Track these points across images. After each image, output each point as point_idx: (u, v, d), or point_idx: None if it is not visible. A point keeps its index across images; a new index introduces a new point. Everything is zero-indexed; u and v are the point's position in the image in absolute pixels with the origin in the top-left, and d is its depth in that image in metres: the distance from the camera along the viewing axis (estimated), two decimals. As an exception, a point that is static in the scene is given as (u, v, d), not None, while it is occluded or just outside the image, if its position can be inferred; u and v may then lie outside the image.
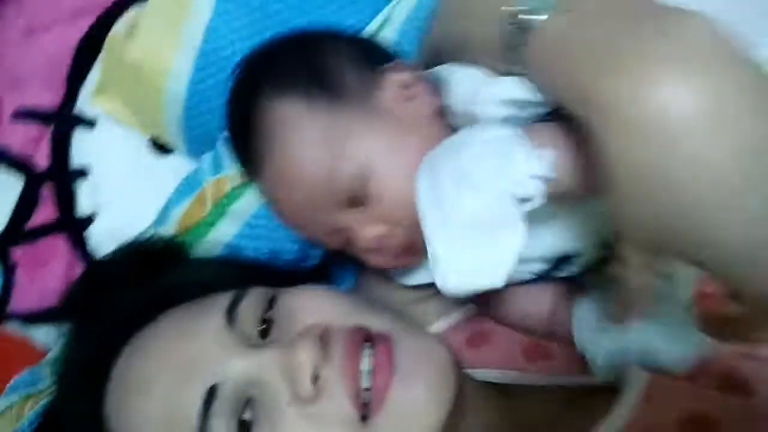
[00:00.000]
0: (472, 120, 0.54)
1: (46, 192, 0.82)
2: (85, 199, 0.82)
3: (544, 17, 0.47)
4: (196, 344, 0.54)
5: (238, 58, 0.69)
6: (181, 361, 0.53)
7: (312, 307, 0.56)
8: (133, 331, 0.59)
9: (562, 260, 0.61)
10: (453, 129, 0.57)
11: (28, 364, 0.80)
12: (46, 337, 0.82)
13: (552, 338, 0.64)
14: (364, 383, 0.51)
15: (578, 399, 0.59)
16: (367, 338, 0.53)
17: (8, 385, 0.78)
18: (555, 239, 0.59)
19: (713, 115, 0.36)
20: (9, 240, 0.81)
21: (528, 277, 0.63)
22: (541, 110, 0.51)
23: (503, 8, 0.49)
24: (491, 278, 0.48)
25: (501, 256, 0.47)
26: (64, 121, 0.83)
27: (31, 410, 0.71)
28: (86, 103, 0.83)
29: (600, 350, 0.56)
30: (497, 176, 0.48)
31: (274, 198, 0.62)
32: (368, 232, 0.56)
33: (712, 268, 0.40)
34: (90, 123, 0.83)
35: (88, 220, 0.81)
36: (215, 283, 0.62)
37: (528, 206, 0.48)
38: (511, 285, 0.61)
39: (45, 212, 0.81)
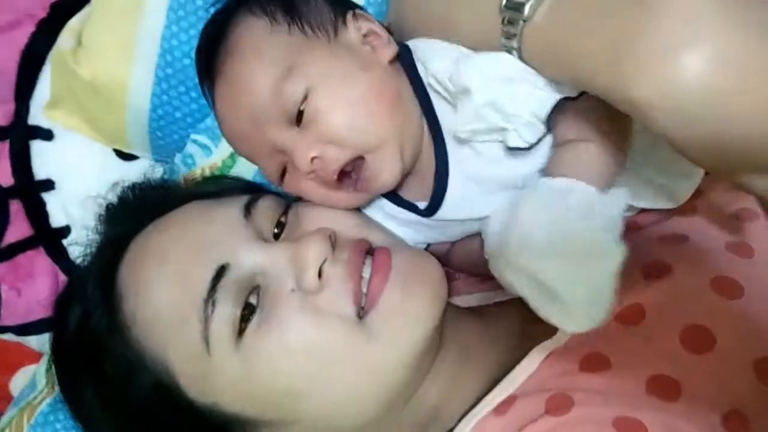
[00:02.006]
0: (458, 92, 0.56)
1: (15, 208, 0.84)
2: (56, 211, 0.84)
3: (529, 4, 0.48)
4: (214, 228, 0.60)
5: (197, 66, 0.71)
6: (197, 240, 0.59)
7: (323, 216, 0.62)
8: (158, 216, 0.64)
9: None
10: (424, 98, 0.60)
11: (26, 362, 0.88)
12: (39, 343, 0.87)
13: None
14: (363, 288, 0.58)
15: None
16: (369, 251, 0.60)
17: (15, 392, 0.84)
18: None
19: (734, 66, 0.38)
20: (-13, 260, 0.82)
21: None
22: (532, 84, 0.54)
23: None
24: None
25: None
26: (19, 134, 0.83)
27: (29, 420, 0.78)
28: (39, 115, 0.84)
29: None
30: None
31: (224, 110, 0.63)
32: (305, 152, 0.58)
33: None
34: (47, 134, 0.83)
35: (65, 230, 0.84)
36: (233, 189, 0.67)
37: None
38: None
39: (18, 228, 0.83)
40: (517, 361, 0.63)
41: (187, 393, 0.58)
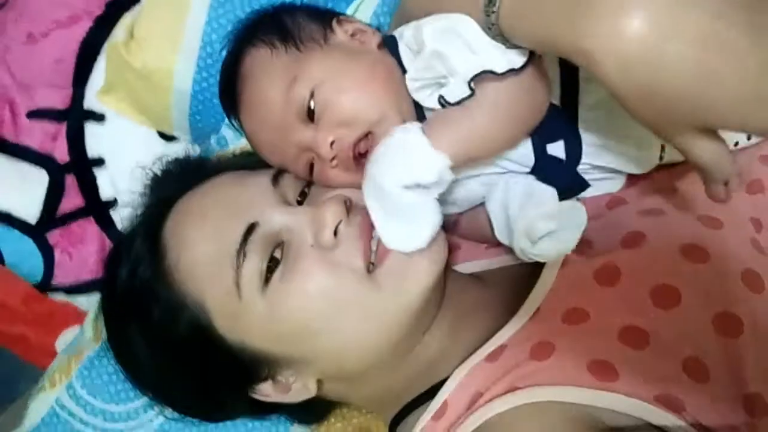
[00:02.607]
0: (418, 48, 0.64)
1: (70, 182, 0.94)
2: (105, 185, 0.94)
3: None
4: (246, 192, 0.69)
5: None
6: (232, 202, 0.69)
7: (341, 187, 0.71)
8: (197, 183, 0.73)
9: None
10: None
11: (73, 322, 0.97)
12: (86, 303, 0.97)
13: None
14: (373, 246, 0.66)
15: (530, 269, 0.74)
16: None
17: (59, 348, 0.93)
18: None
19: (669, 26, 0.45)
20: (44, 227, 0.93)
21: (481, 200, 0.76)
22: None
23: None
24: (417, 244, 0.64)
25: (422, 233, 0.64)
26: (76, 117, 0.93)
27: (75, 367, 0.88)
28: (93, 99, 0.94)
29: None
30: (402, 176, 0.61)
31: (250, 131, 0.73)
32: (324, 140, 0.66)
33: (721, 123, 0.47)
34: (100, 117, 0.94)
35: (112, 203, 0.94)
36: (263, 163, 0.75)
37: (437, 190, 0.63)
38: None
39: (72, 200, 0.94)
40: (510, 320, 0.70)
41: (220, 330, 0.66)
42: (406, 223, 0.64)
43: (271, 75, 0.68)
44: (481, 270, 0.82)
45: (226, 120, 0.86)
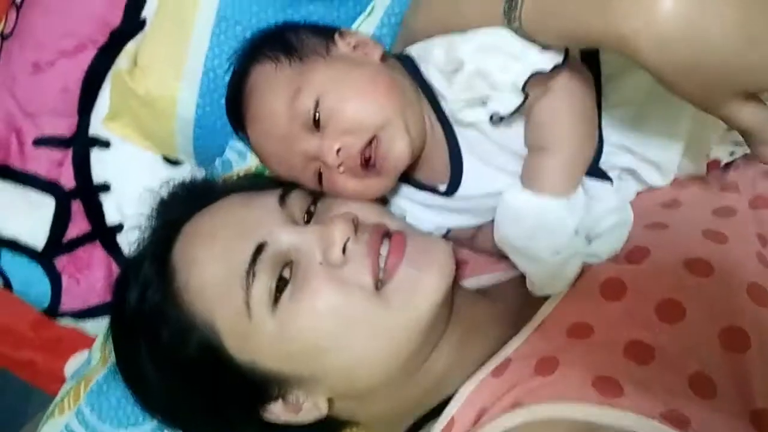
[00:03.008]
0: (453, 68, 0.65)
1: (76, 207, 0.95)
2: (111, 210, 0.95)
3: None
4: (254, 213, 0.70)
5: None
6: (240, 222, 0.69)
7: (347, 204, 0.71)
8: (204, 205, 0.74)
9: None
10: (429, 94, 0.70)
11: (81, 347, 0.97)
12: (94, 328, 0.97)
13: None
14: (381, 263, 0.67)
15: None
16: (386, 234, 0.69)
17: (68, 374, 0.94)
18: None
19: None
20: (51, 253, 0.94)
21: None
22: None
23: None
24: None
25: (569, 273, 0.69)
26: (81, 143, 0.94)
27: (84, 392, 0.87)
28: (98, 126, 0.95)
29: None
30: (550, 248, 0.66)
31: (257, 144, 0.74)
32: (330, 147, 0.67)
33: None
34: (105, 143, 0.95)
35: (118, 228, 0.95)
36: (268, 184, 0.77)
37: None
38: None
39: (78, 225, 0.95)
40: (516, 333, 0.70)
41: (229, 351, 0.66)
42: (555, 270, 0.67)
43: (275, 87, 0.69)
44: (488, 284, 0.83)
45: (230, 143, 0.88)
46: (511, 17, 0.58)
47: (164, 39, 0.87)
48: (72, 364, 0.99)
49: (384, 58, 0.72)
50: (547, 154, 0.64)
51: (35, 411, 0.96)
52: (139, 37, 0.91)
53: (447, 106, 0.68)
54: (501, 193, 0.71)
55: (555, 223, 0.65)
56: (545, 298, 0.71)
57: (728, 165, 0.78)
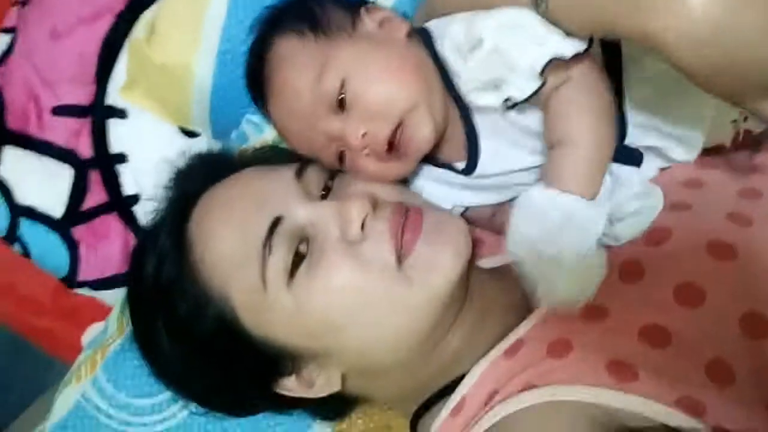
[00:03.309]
0: (471, 45, 0.64)
1: (94, 177, 0.95)
2: (128, 181, 0.95)
3: None
4: (271, 186, 0.69)
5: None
6: (257, 196, 0.69)
7: (365, 182, 0.71)
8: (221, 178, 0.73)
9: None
10: (443, 72, 0.68)
11: (99, 317, 0.98)
12: (111, 298, 0.98)
13: None
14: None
15: None
16: (405, 211, 0.68)
17: (85, 343, 0.95)
18: None
19: None
20: (69, 222, 0.94)
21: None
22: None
23: None
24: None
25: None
26: (98, 113, 0.94)
27: (101, 361, 0.89)
28: (115, 96, 0.94)
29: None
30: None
31: (278, 120, 0.73)
32: (355, 131, 0.66)
33: None
34: (122, 113, 0.94)
35: (135, 199, 0.95)
36: (285, 157, 0.76)
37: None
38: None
39: (96, 195, 0.95)
40: (530, 314, 0.69)
41: (245, 325, 0.66)
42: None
43: (300, 64, 0.68)
44: (503, 263, 0.82)
45: (247, 115, 0.87)
46: (539, 1, 0.57)
47: (182, 7, 0.86)
48: (89, 334, 1.00)
49: (410, 34, 0.71)
50: (567, 149, 0.63)
51: (54, 379, 0.96)
52: (156, 5, 0.90)
53: (460, 85, 0.67)
54: (518, 170, 0.71)
55: (582, 222, 0.62)
56: None
57: (756, 146, 0.76)
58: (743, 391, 0.57)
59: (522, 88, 0.61)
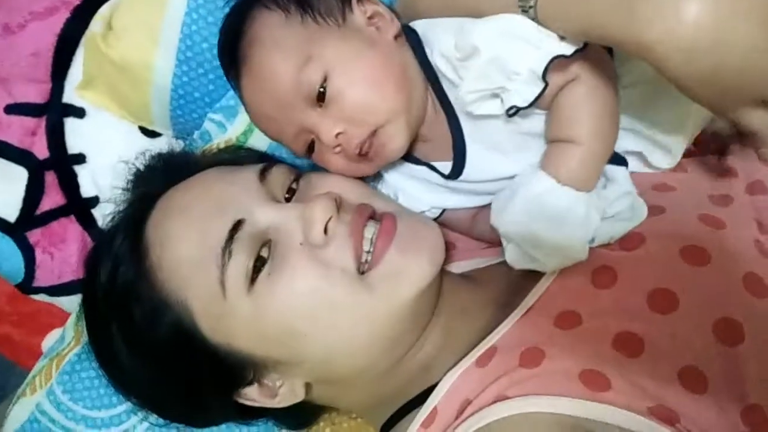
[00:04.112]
0: (464, 56, 0.63)
1: (50, 179, 0.91)
2: (86, 182, 0.91)
3: None
4: (232, 188, 0.67)
5: (215, 51, 0.78)
6: (218, 198, 0.66)
7: (331, 183, 0.69)
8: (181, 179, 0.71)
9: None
10: (432, 76, 0.67)
11: (58, 323, 0.94)
12: (69, 304, 0.94)
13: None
14: (366, 247, 0.65)
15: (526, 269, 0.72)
16: (372, 215, 0.67)
17: (43, 351, 0.91)
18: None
19: (728, 7, 0.47)
20: (24, 226, 0.90)
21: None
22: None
23: None
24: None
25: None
26: (55, 112, 0.90)
27: (56, 371, 0.85)
28: (72, 94, 0.91)
29: None
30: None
31: (251, 98, 0.70)
32: (330, 129, 0.65)
33: None
34: (80, 112, 0.91)
35: (93, 201, 0.91)
36: (249, 158, 0.74)
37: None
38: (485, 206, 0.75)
39: (52, 198, 0.91)
40: (504, 319, 0.68)
41: (203, 332, 0.64)
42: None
43: (282, 46, 0.65)
44: (474, 268, 0.80)
45: (209, 114, 0.84)
46: (525, 5, 0.57)
47: (140, 2, 0.83)
48: (49, 340, 0.97)
49: (398, 35, 0.69)
50: (572, 146, 0.62)
51: (15, 386, 0.93)
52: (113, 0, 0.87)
53: (454, 94, 0.65)
54: (505, 178, 0.69)
55: (580, 217, 0.63)
56: (535, 282, 0.68)
57: (724, 151, 0.76)
58: (717, 398, 0.56)
59: (524, 94, 0.60)
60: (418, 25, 0.69)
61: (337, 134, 0.64)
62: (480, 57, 0.59)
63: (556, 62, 0.58)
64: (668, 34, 0.48)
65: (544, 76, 0.58)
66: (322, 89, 0.64)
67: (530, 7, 0.57)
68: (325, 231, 0.63)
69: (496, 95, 0.62)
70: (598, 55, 0.61)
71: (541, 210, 0.63)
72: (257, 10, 0.68)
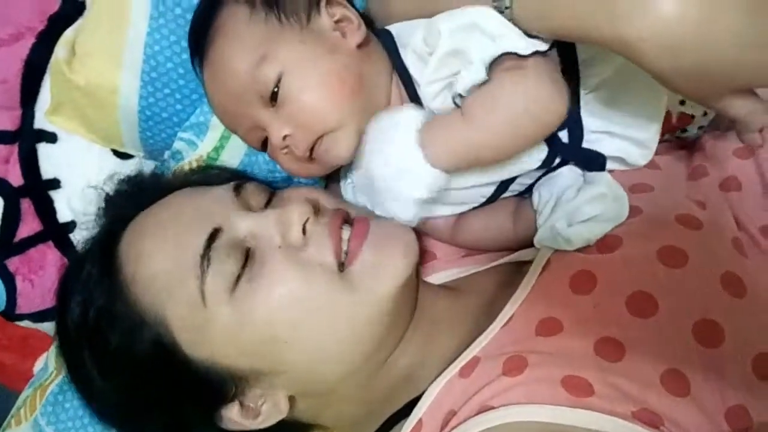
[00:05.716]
0: (431, 50, 0.62)
1: (26, 206, 0.90)
2: (63, 208, 0.90)
3: None
4: (207, 202, 0.67)
5: (180, 70, 0.77)
6: (193, 212, 0.66)
7: (305, 192, 0.70)
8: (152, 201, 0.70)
9: (507, 182, 0.72)
10: (408, 81, 0.66)
11: (48, 346, 0.93)
12: (53, 330, 0.93)
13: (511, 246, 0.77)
14: (344, 247, 0.65)
15: (507, 276, 0.74)
16: (347, 220, 0.67)
17: (29, 382, 0.90)
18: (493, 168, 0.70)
19: (705, 5, 0.47)
20: (3, 254, 0.89)
21: (480, 201, 0.75)
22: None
23: None
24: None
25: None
26: (27, 138, 0.89)
27: (40, 401, 0.85)
28: (43, 119, 0.89)
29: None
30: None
31: (210, 88, 0.70)
32: (278, 130, 0.66)
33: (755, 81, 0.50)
34: (52, 137, 0.90)
35: (71, 226, 0.90)
36: (221, 177, 0.74)
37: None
38: (465, 212, 0.75)
39: (29, 225, 0.90)
40: (486, 328, 0.67)
41: (183, 347, 0.63)
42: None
43: (243, 43, 0.66)
44: (455, 278, 0.79)
45: (179, 133, 0.83)
46: (501, 5, 0.57)
47: (101, 25, 0.81)
48: (41, 364, 0.96)
49: (363, 43, 0.68)
50: (466, 123, 0.60)
51: (7, 411, 0.93)
52: (78, 23, 0.85)
53: (421, 93, 0.65)
54: (482, 185, 0.70)
55: (413, 180, 0.63)
56: (515, 290, 0.67)
57: (694, 142, 0.76)
58: (700, 399, 0.56)
59: (466, 81, 0.59)
60: (395, 29, 0.69)
61: (285, 136, 0.65)
62: (438, 51, 0.59)
63: (506, 58, 0.57)
64: (651, 30, 0.47)
65: (487, 68, 0.58)
66: (275, 89, 0.64)
67: (506, 8, 0.56)
68: (304, 232, 0.63)
69: (449, 85, 0.61)
70: (555, 68, 0.61)
71: (389, 159, 0.63)
72: (228, 1, 0.68)
